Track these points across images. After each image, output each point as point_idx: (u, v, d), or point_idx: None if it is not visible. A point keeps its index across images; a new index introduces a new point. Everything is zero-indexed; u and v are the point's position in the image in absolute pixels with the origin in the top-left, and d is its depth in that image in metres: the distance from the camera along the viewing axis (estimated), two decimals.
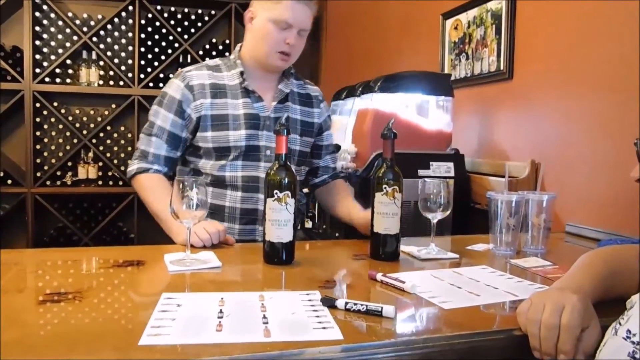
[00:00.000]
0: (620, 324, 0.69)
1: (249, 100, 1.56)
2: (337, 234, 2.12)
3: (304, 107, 1.68)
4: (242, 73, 1.56)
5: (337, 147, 2.11)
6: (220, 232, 1.36)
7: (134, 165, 1.56)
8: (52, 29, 3.96)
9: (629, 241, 1.33)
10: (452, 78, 2.39)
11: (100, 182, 4.02)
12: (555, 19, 1.89)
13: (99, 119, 4.07)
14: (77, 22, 4.00)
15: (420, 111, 2.09)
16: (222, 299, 0.93)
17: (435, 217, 1.33)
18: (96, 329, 0.80)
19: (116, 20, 4.06)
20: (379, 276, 1.08)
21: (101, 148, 4.03)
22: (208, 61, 1.64)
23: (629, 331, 0.64)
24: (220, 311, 0.87)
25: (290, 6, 1.48)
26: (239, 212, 1.56)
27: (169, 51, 4.08)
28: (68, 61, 3.95)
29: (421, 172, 1.92)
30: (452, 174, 1.99)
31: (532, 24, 2.01)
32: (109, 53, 4.03)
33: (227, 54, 4.13)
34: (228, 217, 1.57)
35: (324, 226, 2.30)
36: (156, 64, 4.05)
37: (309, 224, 2.84)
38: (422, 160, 1.96)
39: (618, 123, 1.62)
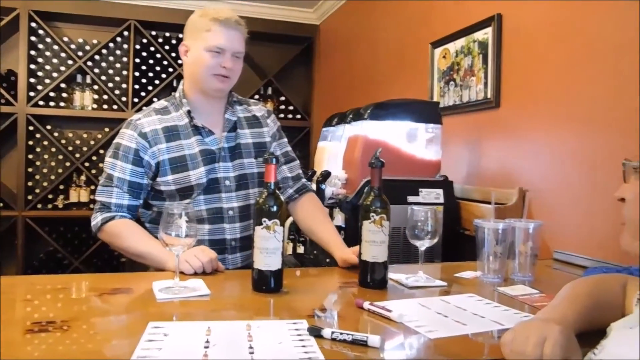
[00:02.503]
0: (594, 353, 0.69)
1: (200, 136, 1.58)
2: (327, 260, 2.12)
3: (253, 129, 1.69)
4: (189, 112, 1.58)
5: (327, 173, 2.13)
6: (212, 260, 1.36)
7: (97, 218, 1.52)
8: (47, 53, 4.00)
9: (614, 269, 1.35)
10: (441, 106, 2.43)
11: (92, 206, 3.99)
12: (541, 49, 1.94)
13: (92, 142, 4.09)
14: (72, 46, 4.05)
15: (410, 138, 2.12)
16: (209, 328, 0.93)
17: (423, 244, 1.34)
18: (82, 358, 0.80)
19: (111, 45, 4.11)
20: (366, 305, 1.09)
21: (94, 171, 4.04)
22: (155, 104, 1.65)
23: None
24: (207, 341, 0.87)
25: (221, 32, 1.53)
26: (208, 243, 1.55)
27: (163, 76, 4.14)
28: (62, 85, 3.98)
29: (410, 199, 1.94)
30: (441, 200, 2.01)
31: (518, 55, 2.06)
32: (103, 77, 4.07)
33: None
34: None
35: (315, 252, 2.30)
36: (150, 88, 4.10)
37: (300, 249, 2.83)
38: (411, 187, 1.98)
39: (604, 151, 1.65)
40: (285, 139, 1.80)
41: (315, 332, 0.91)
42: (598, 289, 0.96)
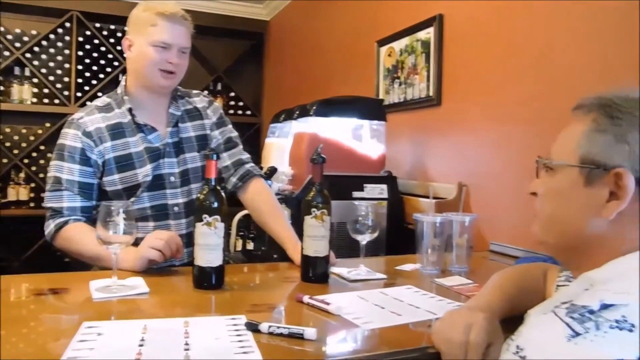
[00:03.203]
0: (512, 339, 0.74)
1: (143, 134, 1.55)
2: (275, 256, 2.13)
3: (194, 121, 1.66)
4: (130, 110, 1.55)
5: (274, 169, 2.14)
6: (172, 237, 1.32)
7: (50, 226, 1.46)
8: None
9: (542, 259, 1.42)
10: (387, 103, 2.49)
11: (32, 204, 3.85)
12: (479, 50, 2.01)
13: (32, 137, 3.92)
14: (9, 36, 3.86)
15: (355, 135, 2.16)
16: (145, 326, 0.92)
17: (364, 239, 1.38)
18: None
19: (52, 36, 3.95)
20: (306, 298, 1.10)
21: (34, 168, 3.88)
22: (97, 101, 1.60)
23: (518, 347, 0.70)
24: (142, 339, 0.86)
25: (166, 27, 1.50)
26: None
27: (108, 69, 4.02)
28: None
29: (355, 194, 1.97)
30: (385, 195, 2.06)
31: (458, 55, 2.13)
32: (43, 70, 3.90)
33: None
34: None
35: (263, 248, 2.31)
36: (94, 82, 3.97)
37: (250, 246, 2.83)
38: (356, 182, 2.01)
39: (535, 150, 1.73)
40: (230, 126, 1.74)
41: (253, 327, 0.92)
42: (522, 277, 1.03)
